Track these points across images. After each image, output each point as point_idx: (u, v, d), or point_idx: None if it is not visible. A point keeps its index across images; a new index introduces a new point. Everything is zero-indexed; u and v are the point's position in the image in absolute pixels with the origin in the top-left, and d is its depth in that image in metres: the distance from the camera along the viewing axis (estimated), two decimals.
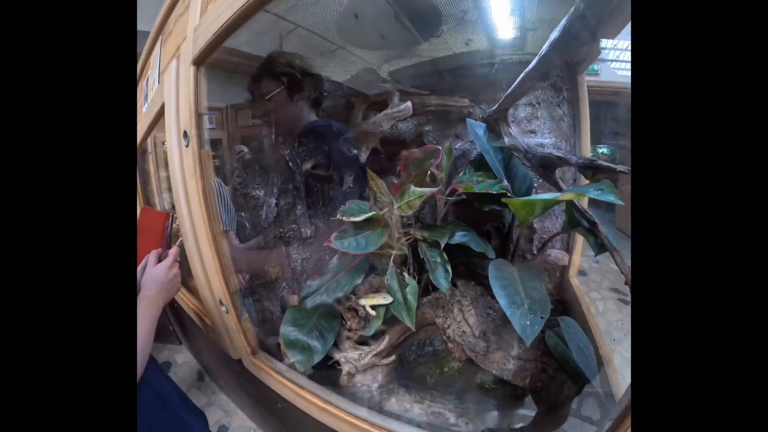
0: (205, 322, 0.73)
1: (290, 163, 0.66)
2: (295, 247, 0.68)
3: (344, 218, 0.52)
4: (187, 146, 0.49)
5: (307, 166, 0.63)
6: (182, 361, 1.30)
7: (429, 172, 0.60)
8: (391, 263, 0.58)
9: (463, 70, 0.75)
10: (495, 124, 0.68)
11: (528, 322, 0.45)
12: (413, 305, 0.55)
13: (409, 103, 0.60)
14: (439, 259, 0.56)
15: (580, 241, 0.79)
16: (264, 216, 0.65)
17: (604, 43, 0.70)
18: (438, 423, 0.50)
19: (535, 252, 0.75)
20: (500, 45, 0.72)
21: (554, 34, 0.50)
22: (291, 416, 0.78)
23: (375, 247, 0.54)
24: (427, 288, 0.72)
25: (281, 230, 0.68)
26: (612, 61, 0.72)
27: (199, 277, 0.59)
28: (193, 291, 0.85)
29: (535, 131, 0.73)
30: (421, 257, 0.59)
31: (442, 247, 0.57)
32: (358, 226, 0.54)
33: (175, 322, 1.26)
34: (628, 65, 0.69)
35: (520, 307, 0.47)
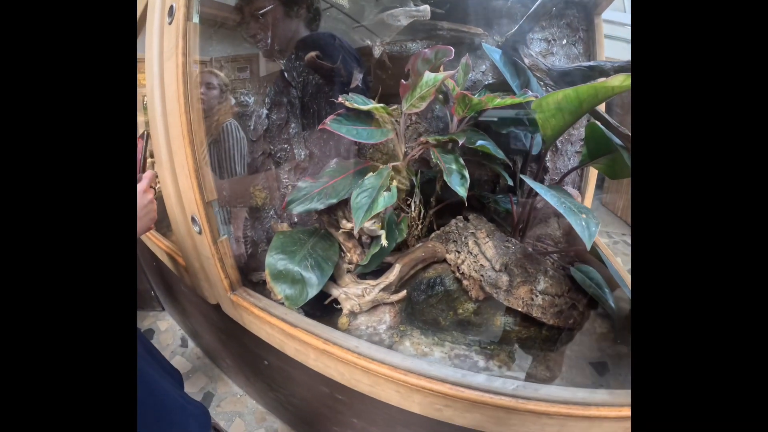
0: (178, 267, 0.55)
1: (286, 74, 0.50)
2: (285, 171, 0.52)
3: (348, 103, 0.36)
4: (170, 23, 0.32)
5: (312, 54, 0.46)
6: (165, 327, 1.09)
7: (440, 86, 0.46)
8: (392, 185, 0.42)
9: (477, 1, 0.61)
10: (513, 49, 0.54)
11: (584, 224, 0.31)
12: (378, 208, 0.39)
13: (427, 6, 0.45)
14: (454, 165, 0.41)
15: (591, 181, 0.66)
16: (252, 127, 0.49)
17: None
18: (465, 368, 0.35)
19: (557, 178, 0.61)
20: None
21: None
22: (279, 374, 0.61)
23: (376, 140, 0.39)
24: (431, 227, 0.57)
25: (271, 147, 0.51)
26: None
27: (170, 194, 0.42)
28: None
29: (553, 53, 0.59)
30: (437, 182, 0.44)
31: (458, 148, 0.42)
32: (361, 119, 0.38)
33: (156, 286, 1.05)
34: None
35: (570, 210, 0.33)
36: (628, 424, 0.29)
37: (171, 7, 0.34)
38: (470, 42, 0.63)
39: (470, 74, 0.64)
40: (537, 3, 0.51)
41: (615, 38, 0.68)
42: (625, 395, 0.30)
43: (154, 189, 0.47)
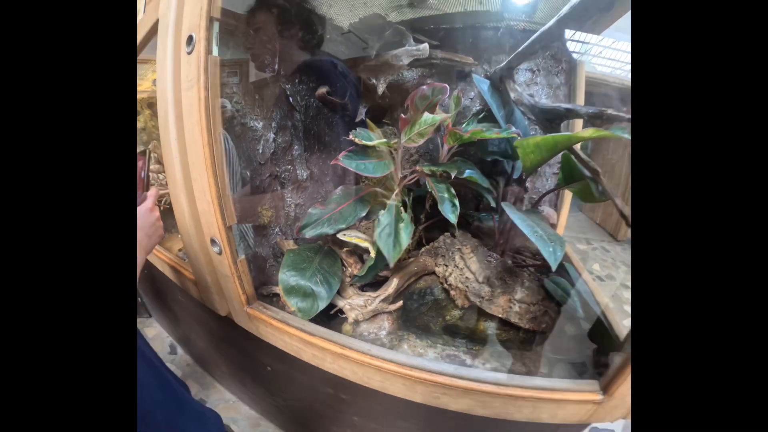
0: (183, 279, 0.61)
1: (290, 99, 0.56)
2: (289, 190, 0.59)
3: (356, 139, 0.44)
4: (190, 53, 0.38)
5: (322, 90, 0.53)
6: (153, 334, 1.13)
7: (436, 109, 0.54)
8: (393, 197, 0.51)
9: (469, 30, 0.70)
10: (500, 81, 0.63)
11: (551, 249, 0.41)
12: (404, 241, 0.48)
13: (426, 45, 0.53)
14: (446, 194, 0.50)
15: (566, 201, 0.77)
16: (261, 151, 0.55)
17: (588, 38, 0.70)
18: (456, 365, 0.44)
19: (526, 207, 0.72)
20: (510, 10, 0.68)
21: (566, 8, 0.46)
22: (281, 380, 0.68)
23: (381, 174, 0.47)
24: (420, 242, 0.67)
25: (277, 169, 0.58)
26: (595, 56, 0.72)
27: (184, 213, 0.48)
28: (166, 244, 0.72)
29: (533, 95, 0.69)
30: (426, 201, 0.53)
31: (450, 180, 0.51)
32: (366, 153, 0.46)
33: (145, 293, 1.09)
34: (610, 61, 0.69)
35: (541, 238, 0.42)
36: (589, 407, 0.38)
37: (190, 37, 0.40)
38: (461, 69, 0.72)
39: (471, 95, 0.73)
40: (526, 43, 0.60)
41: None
42: (587, 384, 0.39)
43: (159, 205, 0.52)
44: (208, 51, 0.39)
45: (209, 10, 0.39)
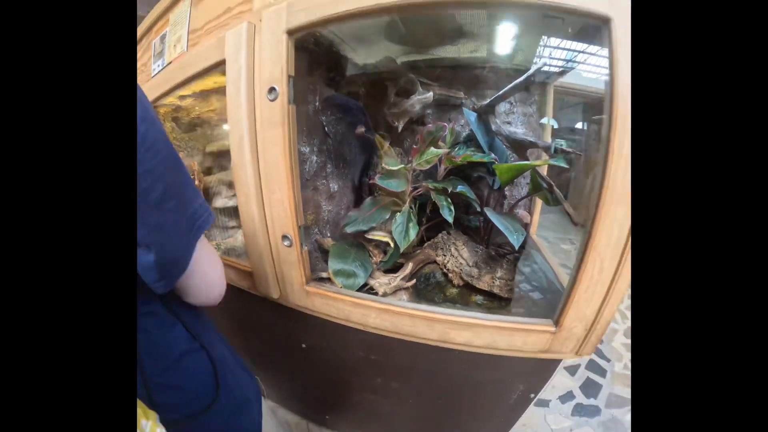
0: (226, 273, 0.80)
1: (325, 128, 0.77)
2: (324, 199, 0.79)
3: (386, 165, 0.65)
4: (273, 100, 0.58)
5: (360, 130, 0.75)
6: None
7: (438, 142, 0.77)
8: (407, 204, 0.73)
9: (460, 69, 0.93)
10: (484, 115, 0.87)
11: (515, 237, 0.64)
12: (411, 236, 0.70)
13: (431, 93, 0.76)
14: (445, 203, 0.72)
15: (538, 205, 1.02)
16: (307, 169, 0.75)
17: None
18: None
19: (505, 210, 0.96)
20: (495, 55, 0.91)
21: (534, 67, 0.70)
22: (311, 356, 0.89)
23: (400, 189, 0.69)
24: (422, 239, 0.89)
25: (317, 183, 0.78)
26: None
27: (253, 218, 0.67)
28: None
29: (510, 123, 0.93)
30: (427, 207, 0.75)
31: (448, 194, 0.73)
32: (390, 174, 0.68)
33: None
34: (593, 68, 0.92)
35: (508, 230, 0.65)
36: (547, 336, 0.60)
37: (273, 88, 0.59)
38: (455, 102, 0.95)
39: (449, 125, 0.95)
40: (507, 87, 0.83)
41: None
42: (545, 320, 0.61)
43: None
44: (288, 101, 0.60)
45: (287, 69, 0.59)
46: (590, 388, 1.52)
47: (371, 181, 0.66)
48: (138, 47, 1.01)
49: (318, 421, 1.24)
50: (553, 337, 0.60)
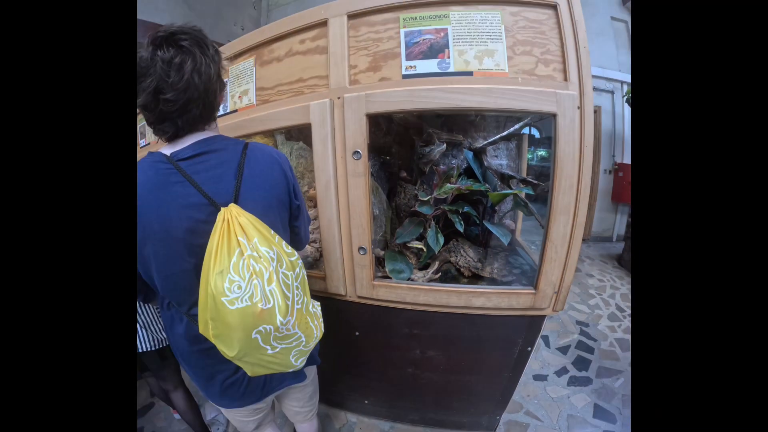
0: None
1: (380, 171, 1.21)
2: (375, 221, 1.22)
3: (420, 197, 1.09)
4: (357, 160, 1.01)
5: (403, 174, 1.19)
6: None
7: (450, 178, 1.22)
8: (433, 221, 1.17)
9: (459, 117, 1.40)
10: (479, 154, 1.33)
11: (504, 238, 1.08)
12: (441, 242, 1.13)
13: (444, 145, 1.21)
14: (457, 219, 1.16)
15: (520, 217, 1.48)
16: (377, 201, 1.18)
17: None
18: None
19: (497, 221, 1.41)
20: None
21: (520, 123, 1.17)
22: (361, 341, 1.28)
23: (430, 213, 1.13)
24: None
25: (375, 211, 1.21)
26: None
27: (334, 236, 1.08)
28: None
29: (497, 156, 1.40)
30: (440, 222, 1.19)
31: (459, 213, 1.17)
32: (423, 203, 1.11)
33: None
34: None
35: (501, 234, 1.10)
36: (530, 297, 1.03)
37: (357, 151, 1.02)
38: (457, 143, 1.41)
39: (454, 161, 1.41)
40: (497, 137, 1.30)
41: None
42: (529, 287, 1.05)
43: None
44: (367, 160, 1.02)
45: (366, 138, 1.02)
46: (581, 363, 1.95)
47: (413, 210, 1.09)
48: None
49: (356, 409, 1.60)
50: (534, 297, 1.04)
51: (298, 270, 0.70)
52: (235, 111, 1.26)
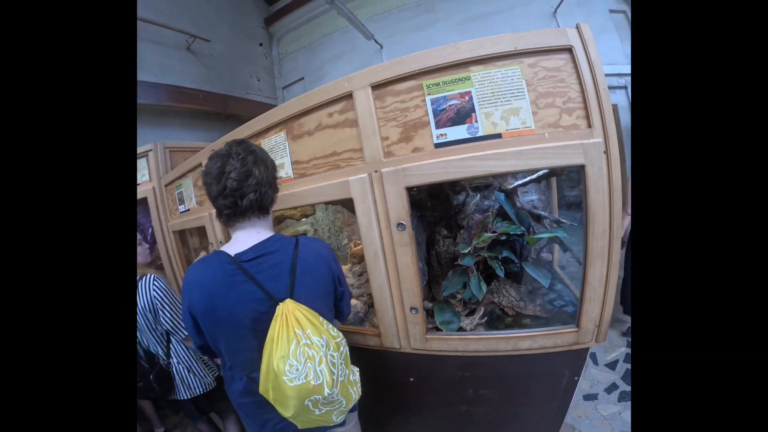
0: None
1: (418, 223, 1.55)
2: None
3: (461, 250, 1.43)
4: (402, 231, 1.34)
5: (444, 232, 1.53)
6: None
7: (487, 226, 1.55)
8: (475, 271, 1.51)
9: None
10: (510, 194, 1.66)
11: (544, 279, 1.42)
12: (484, 289, 1.47)
13: (478, 196, 1.55)
14: (497, 264, 1.50)
15: (556, 250, 1.82)
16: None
17: None
18: None
19: (535, 256, 1.75)
20: None
21: (545, 170, 1.50)
22: (415, 387, 1.64)
23: (471, 264, 1.47)
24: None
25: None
26: None
27: (386, 298, 1.43)
28: None
29: (527, 191, 1.73)
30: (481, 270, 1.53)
31: (498, 258, 1.52)
32: (464, 255, 1.45)
33: None
34: None
35: (540, 276, 1.44)
36: (573, 334, 1.38)
37: (401, 223, 1.35)
38: (487, 184, 1.73)
39: (486, 202, 1.74)
40: (527, 179, 1.63)
41: None
42: (571, 326, 1.39)
43: None
44: (411, 230, 1.36)
45: (408, 209, 1.35)
46: (630, 377, 2.31)
47: (456, 263, 1.44)
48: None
49: None
50: (577, 334, 1.38)
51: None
52: None
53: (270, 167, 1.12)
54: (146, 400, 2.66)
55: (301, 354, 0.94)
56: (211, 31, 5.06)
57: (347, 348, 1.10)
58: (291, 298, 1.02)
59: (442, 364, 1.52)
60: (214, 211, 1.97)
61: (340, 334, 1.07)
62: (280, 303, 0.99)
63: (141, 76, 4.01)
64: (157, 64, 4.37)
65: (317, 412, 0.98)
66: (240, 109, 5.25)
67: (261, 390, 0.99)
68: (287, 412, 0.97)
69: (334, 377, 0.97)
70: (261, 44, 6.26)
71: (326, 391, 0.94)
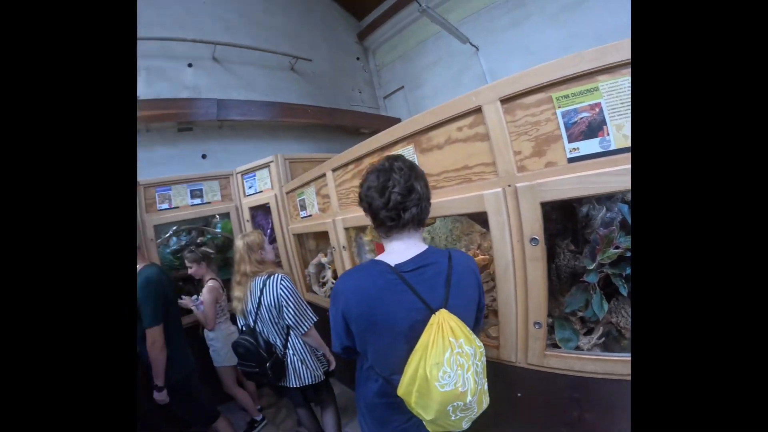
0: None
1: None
2: None
3: (587, 266, 1.39)
4: (535, 245, 1.33)
5: (572, 247, 1.49)
6: None
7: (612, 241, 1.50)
8: (598, 288, 1.46)
9: None
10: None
11: None
12: (605, 308, 1.42)
13: (604, 209, 1.49)
14: (620, 282, 1.45)
15: None
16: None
17: None
18: None
19: None
20: None
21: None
22: (522, 403, 1.62)
23: (595, 280, 1.42)
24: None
25: None
26: None
27: (512, 313, 1.42)
28: None
29: None
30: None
31: (623, 276, 1.46)
32: (589, 272, 1.41)
33: None
34: None
35: None
36: None
37: (534, 238, 1.33)
38: (612, 195, 1.66)
39: (609, 214, 1.67)
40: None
41: None
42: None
43: None
44: (544, 245, 1.34)
45: (542, 225, 1.33)
46: None
47: (581, 280, 1.40)
48: (350, 166, 1.82)
49: None
50: None
51: (483, 359, 1.12)
52: None
53: (426, 183, 1.19)
54: (251, 382, 3.13)
55: (455, 362, 1.00)
56: (310, 52, 5.63)
57: (485, 358, 1.14)
58: (445, 308, 1.07)
59: (553, 382, 1.50)
60: (338, 217, 2.19)
61: (482, 345, 1.12)
62: (436, 312, 1.05)
63: (253, 96, 4.70)
64: (267, 84, 5.04)
65: (453, 417, 1.04)
66: (346, 120, 5.72)
67: (400, 392, 1.07)
68: (428, 416, 1.03)
69: (477, 386, 1.04)
70: (358, 58, 6.74)
71: (469, 398, 1.00)
